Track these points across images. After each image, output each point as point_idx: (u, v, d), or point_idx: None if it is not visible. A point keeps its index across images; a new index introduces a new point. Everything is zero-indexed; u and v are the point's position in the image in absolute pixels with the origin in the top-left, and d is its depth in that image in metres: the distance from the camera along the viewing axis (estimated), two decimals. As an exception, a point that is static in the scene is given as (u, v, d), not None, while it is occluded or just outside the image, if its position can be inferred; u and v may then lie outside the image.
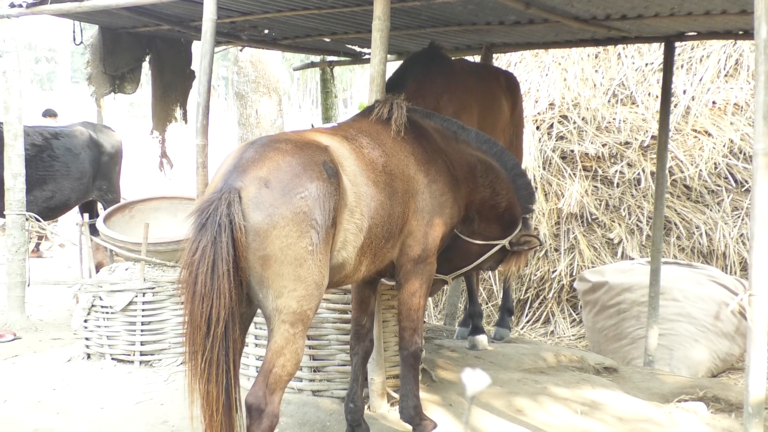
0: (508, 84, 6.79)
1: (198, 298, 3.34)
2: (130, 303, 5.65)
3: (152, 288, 5.66)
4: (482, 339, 6.41)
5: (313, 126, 7.22)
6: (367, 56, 8.85)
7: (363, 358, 4.58)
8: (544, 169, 9.75)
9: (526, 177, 5.01)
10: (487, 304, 9.52)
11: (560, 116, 10.01)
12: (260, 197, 3.43)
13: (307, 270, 3.48)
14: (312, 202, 3.49)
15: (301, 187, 3.49)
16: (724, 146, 9.23)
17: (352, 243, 3.83)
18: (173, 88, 8.49)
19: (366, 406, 4.87)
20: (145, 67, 8.42)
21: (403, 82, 5.46)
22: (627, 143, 9.61)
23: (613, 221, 9.35)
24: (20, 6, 7.20)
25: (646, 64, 10.09)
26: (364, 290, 4.55)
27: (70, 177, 8.66)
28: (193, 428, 3.47)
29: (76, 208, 9.44)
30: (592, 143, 9.68)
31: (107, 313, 5.71)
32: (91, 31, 8.03)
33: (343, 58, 9.36)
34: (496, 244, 4.92)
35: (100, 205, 9.37)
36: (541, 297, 9.42)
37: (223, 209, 3.35)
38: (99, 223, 6.24)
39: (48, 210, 8.46)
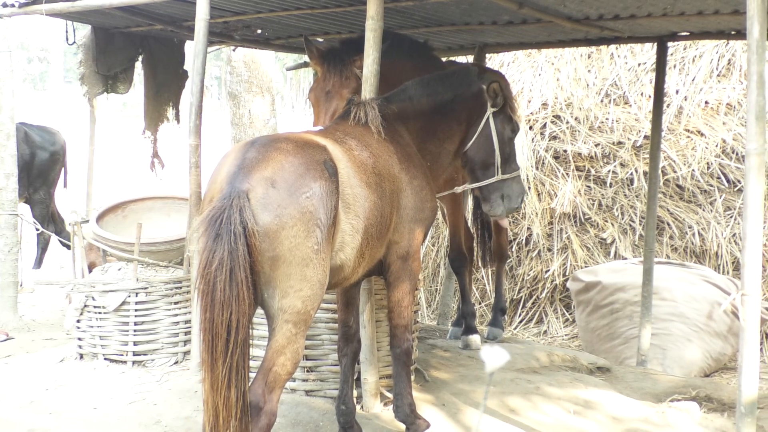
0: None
1: (218, 306, 3.34)
2: (123, 303, 5.64)
3: (145, 288, 5.65)
4: (475, 339, 6.41)
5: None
6: (360, 56, 8.83)
7: (352, 359, 4.59)
8: (536, 168, 9.75)
9: None
10: (480, 303, 9.53)
11: (553, 116, 10.02)
12: (268, 198, 3.44)
13: (312, 270, 3.51)
14: (317, 201, 3.52)
15: (306, 186, 3.52)
16: (716, 146, 9.25)
17: (349, 244, 3.84)
18: (166, 88, 8.48)
19: (359, 406, 4.87)
20: (138, 67, 8.40)
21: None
22: (620, 143, 9.62)
23: (606, 221, 9.36)
24: (12, 6, 7.18)
25: (639, 64, 10.11)
26: (350, 291, 4.55)
27: None
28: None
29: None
30: (584, 143, 9.69)
31: (100, 313, 5.70)
32: (84, 30, 8.01)
33: (336, 58, 9.33)
34: None
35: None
36: (534, 297, 9.43)
37: (236, 216, 3.35)
38: (92, 223, 6.23)
39: None
